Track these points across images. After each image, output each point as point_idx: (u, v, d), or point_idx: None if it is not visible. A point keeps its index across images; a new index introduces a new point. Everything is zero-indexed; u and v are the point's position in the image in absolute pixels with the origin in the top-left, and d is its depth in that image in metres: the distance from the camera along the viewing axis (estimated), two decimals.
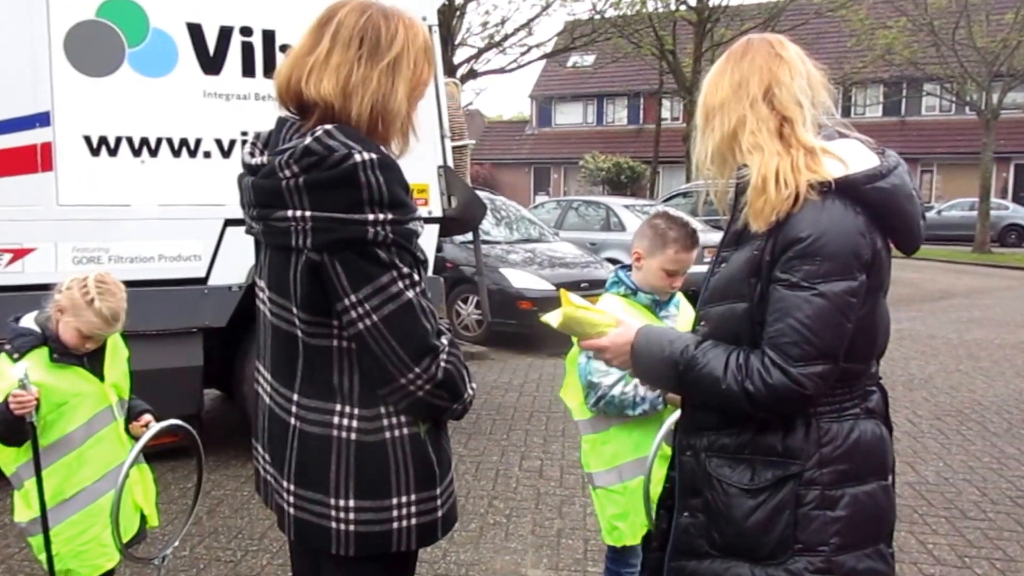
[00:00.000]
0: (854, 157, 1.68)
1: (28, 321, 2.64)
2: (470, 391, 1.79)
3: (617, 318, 1.87)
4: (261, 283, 1.80)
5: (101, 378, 2.68)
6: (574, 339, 2.74)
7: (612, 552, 2.88)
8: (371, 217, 1.60)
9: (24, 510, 2.66)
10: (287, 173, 1.61)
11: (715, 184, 1.82)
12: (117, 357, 2.77)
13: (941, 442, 5.75)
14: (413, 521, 1.74)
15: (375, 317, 1.63)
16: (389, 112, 1.70)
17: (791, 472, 1.67)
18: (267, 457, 1.85)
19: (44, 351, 2.58)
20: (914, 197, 1.73)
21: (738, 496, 1.70)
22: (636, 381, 2.64)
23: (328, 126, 1.63)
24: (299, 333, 1.72)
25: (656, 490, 2.64)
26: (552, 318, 1.88)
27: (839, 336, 1.62)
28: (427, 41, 1.78)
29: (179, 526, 2.99)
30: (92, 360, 2.67)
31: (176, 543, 3.00)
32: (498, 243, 9.82)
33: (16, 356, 2.55)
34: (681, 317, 2.82)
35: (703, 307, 1.81)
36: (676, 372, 1.72)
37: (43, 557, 2.66)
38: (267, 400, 1.84)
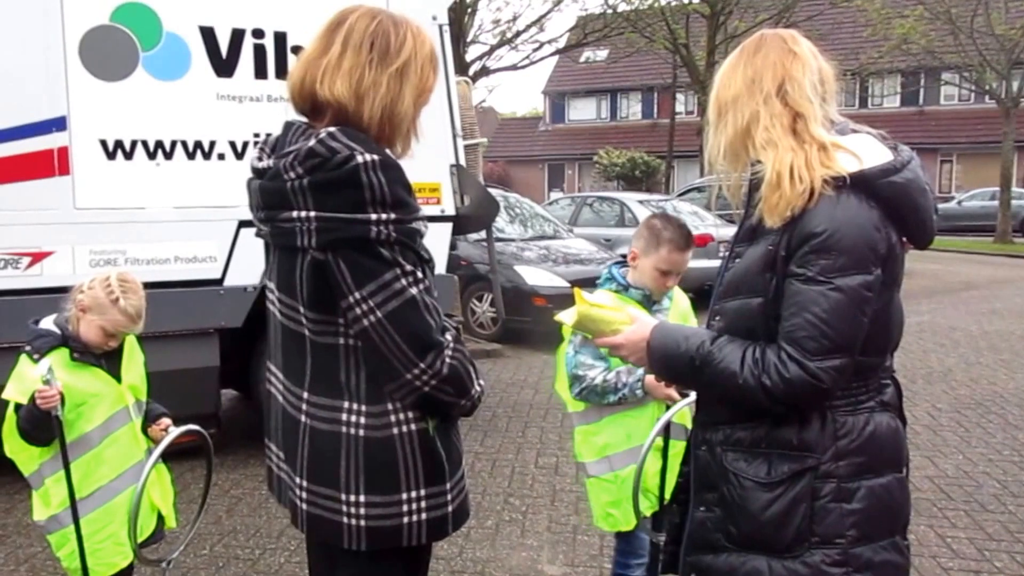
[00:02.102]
0: (867, 152, 1.68)
1: (47, 323, 2.68)
2: (478, 387, 1.81)
3: (632, 315, 1.87)
4: (271, 285, 1.84)
5: (118, 379, 2.71)
6: (565, 333, 2.79)
7: (621, 544, 2.97)
8: (374, 217, 1.63)
9: (42, 509, 2.70)
10: (291, 175, 1.65)
11: (727, 179, 1.82)
12: (134, 359, 2.80)
13: (961, 435, 5.70)
14: (423, 516, 1.77)
15: (379, 313, 1.66)
16: (396, 116, 1.74)
17: (807, 465, 1.67)
18: (280, 455, 1.89)
19: (64, 352, 2.62)
20: (927, 191, 1.72)
21: (754, 490, 1.70)
22: (619, 369, 2.71)
23: (331, 128, 1.67)
24: (306, 332, 1.75)
25: (654, 482, 2.70)
26: (567, 316, 1.89)
27: (855, 330, 1.61)
28: (433, 49, 1.82)
29: (188, 529, 3.00)
30: (110, 361, 2.70)
31: (183, 547, 3.02)
32: (512, 240, 9.81)
33: (36, 357, 2.59)
34: (673, 309, 2.85)
35: (718, 302, 1.81)
36: (692, 368, 1.72)
37: (61, 554, 2.70)
38: (280, 399, 1.87)
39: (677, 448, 2.72)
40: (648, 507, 2.76)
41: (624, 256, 2.91)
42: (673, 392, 2.57)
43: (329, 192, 1.63)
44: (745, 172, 1.77)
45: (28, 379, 2.56)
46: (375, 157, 1.63)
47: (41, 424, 2.53)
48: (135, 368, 2.80)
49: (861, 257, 1.61)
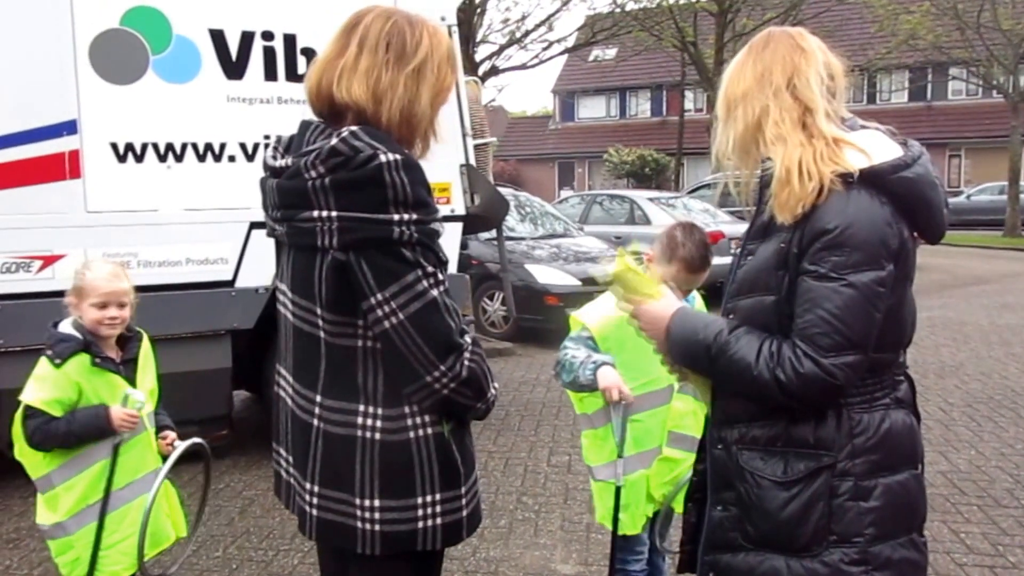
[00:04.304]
0: (877, 147, 1.67)
1: (66, 326, 2.65)
2: (493, 390, 1.80)
3: (664, 292, 1.85)
4: (283, 286, 1.82)
5: (135, 386, 2.69)
6: (573, 326, 2.79)
7: (620, 542, 2.93)
8: (396, 217, 1.62)
9: (47, 513, 2.66)
10: (313, 174, 1.63)
11: (736, 175, 1.82)
12: (149, 366, 2.78)
13: (973, 430, 5.67)
14: (438, 520, 1.75)
15: (401, 315, 1.64)
16: (414, 117, 1.73)
17: (824, 463, 1.67)
18: (289, 459, 1.86)
19: (85, 357, 2.60)
20: (938, 185, 1.71)
21: (771, 488, 1.70)
22: (598, 357, 2.66)
23: (353, 127, 1.66)
24: (322, 334, 1.73)
25: (658, 493, 2.71)
26: (605, 268, 1.86)
27: (869, 326, 1.61)
28: (450, 48, 1.81)
29: (185, 543, 2.98)
30: (128, 368, 2.70)
31: (189, 552, 3.00)
32: (523, 239, 9.81)
33: (58, 361, 2.57)
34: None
35: (731, 300, 1.80)
36: (708, 356, 1.71)
37: (60, 560, 2.68)
38: (289, 403, 1.85)
39: (674, 455, 2.74)
40: (651, 509, 2.78)
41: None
42: (616, 392, 2.54)
43: (351, 191, 1.62)
44: (754, 168, 1.77)
45: (47, 380, 2.56)
46: (398, 157, 1.62)
47: (92, 436, 2.56)
48: (150, 375, 2.78)
49: (873, 253, 1.60)
